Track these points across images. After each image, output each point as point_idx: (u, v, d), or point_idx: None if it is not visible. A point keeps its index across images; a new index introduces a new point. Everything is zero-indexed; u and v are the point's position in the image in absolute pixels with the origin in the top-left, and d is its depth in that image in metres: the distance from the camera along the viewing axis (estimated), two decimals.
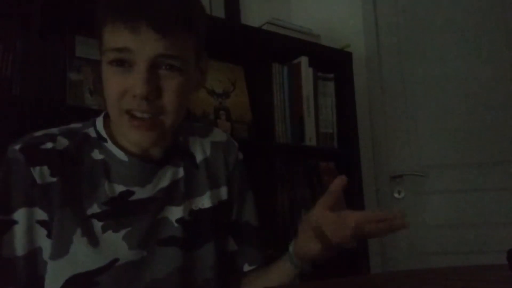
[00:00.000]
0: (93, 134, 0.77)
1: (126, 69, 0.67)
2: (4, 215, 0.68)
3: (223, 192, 0.83)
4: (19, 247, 0.68)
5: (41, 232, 0.69)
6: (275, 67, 1.78)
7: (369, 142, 2.12)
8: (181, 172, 0.80)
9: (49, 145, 0.71)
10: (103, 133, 0.76)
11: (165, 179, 0.78)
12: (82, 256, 0.69)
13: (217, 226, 0.81)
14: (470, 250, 1.93)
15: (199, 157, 0.83)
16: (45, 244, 0.69)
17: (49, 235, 0.69)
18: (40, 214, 0.69)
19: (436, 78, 2.09)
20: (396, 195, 2.09)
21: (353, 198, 1.85)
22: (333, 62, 1.94)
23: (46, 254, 0.69)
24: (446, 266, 0.87)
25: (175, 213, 0.77)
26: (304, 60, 1.81)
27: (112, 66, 0.68)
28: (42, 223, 0.69)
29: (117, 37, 0.66)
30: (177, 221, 0.76)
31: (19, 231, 0.68)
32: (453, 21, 2.09)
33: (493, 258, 1.03)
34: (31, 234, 0.69)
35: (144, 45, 0.65)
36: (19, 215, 0.68)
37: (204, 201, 0.80)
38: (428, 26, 2.13)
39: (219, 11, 1.84)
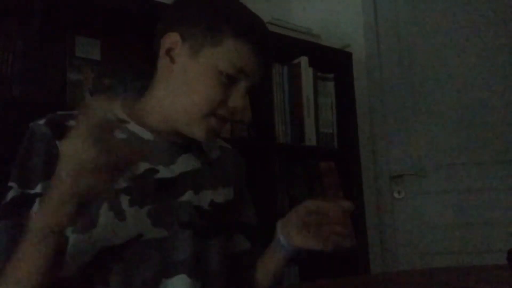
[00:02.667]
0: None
1: (230, 82, 0.76)
2: (28, 188, 0.69)
3: (231, 192, 0.88)
4: None
5: None
6: (275, 67, 1.78)
7: (369, 142, 2.12)
8: (199, 163, 0.84)
9: (72, 122, 0.73)
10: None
11: (187, 165, 0.81)
12: (109, 230, 0.70)
13: (225, 223, 0.84)
14: (470, 250, 1.93)
15: (212, 156, 0.88)
16: None
17: None
18: None
19: (436, 77, 2.09)
20: (396, 195, 2.09)
21: (353, 198, 1.85)
22: (333, 62, 1.94)
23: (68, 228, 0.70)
24: (446, 266, 0.87)
25: (195, 199, 0.79)
26: (304, 60, 1.81)
27: (221, 76, 0.75)
28: None
29: (239, 56, 0.74)
30: (196, 207, 0.79)
31: None
32: (453, 20, 2.09)
33: (493, 258, 1.03)
34: None
35: (255, 70, 0.76)
36: (43, 187, 0.69)
37: (218, 196, 0.84)
38: (428, 26, 2.13)
39: None
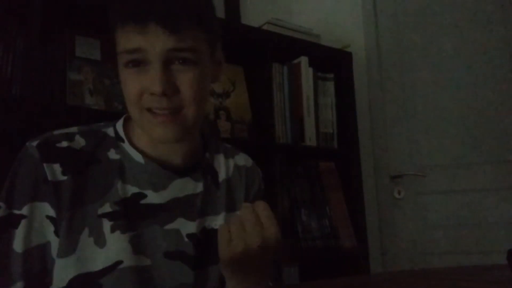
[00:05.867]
0: (111, 133, 0.78)
1: (141, 68, 0.69)
2: (14, 209, 0.69)
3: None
4: (29, 240, 0.69)
5: (50, 227, 0.70)
6: (275, 67, 1.78)
7: (369, 142, 2.12)
8: (200, 187, 0.79)
9: (64, 143, 0.72)
10: (122, 133, 0.77)
11: (181, 190, 0.77)
12: (87, 256, 0.69)
13: None
14: (470, 250, 1.93)
15: (221, 176, 0.84)
16: (53, 239, 0.70)
17: (56, 232, 0.69)
18: (49, 210, 0.69)
19: (436, 78, 2.09)
20: (396, 195, 2.09)
21: (353, 198, 1.85)
22: (333, 62, 1.94)
23: (54, 250, 0.69)
24: (446, 266, 0.87)
25: (187, 227, 0.76)
26: (304, 60, 1.81)
27: (128, 68, 0.70)
28: (50, 219, 0.70)
29: (128, 39, 0.68)
30: (188, 236, 0.75)
31: (28, 225, 0.69)
32: (453, 21, 2.10)
33: (493, 258, 1.03)
34: (41, 228, 0.69)
35: (154, 43, 0.67)
36: (29, 209, 0.69)
37: (218, 222, 0.80)
38: (428, 26, 2.13)
39: (219, 11, 1.84)
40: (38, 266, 0.69)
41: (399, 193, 2.09)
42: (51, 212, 0.69)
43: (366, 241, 1.85)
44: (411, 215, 2.06)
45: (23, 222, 0.68)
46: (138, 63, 0.69)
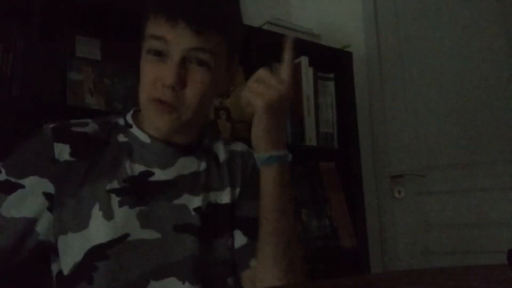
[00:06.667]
0: (121, 122, 0.84)
1: (161, 59, 0.75)
2: (15, 178, 0.73)
3: (237, 192, 0.87)
4: (17, 210, 0.72)
5: (43, 203, 0.73)
6: (275, 67, 1.78)
7: (369, 142, 2.12)
8: (203, 165, 0.84)
9: (79, 129, 0.78)
10: (130, 121, 0.83)
11: (186, 168, 0.82)
12: (98, 229, 0.72)
13: (231, 223, 0.84)
14: (470, 250, 1.93)
15: (221, 158, 0.89)
16: (43, 215, 0.73)
17: (50, 208, 0.73)
18: (48, 187, 0.73)
19: (436, 78, 2.09)
20: (396, 195, 2.09)
21: (353, 198, 1.85)
22: (333, 62, 1.94)
23: (41, 226, 0.73)
24: (445, 266, 0.87)
25: (194, 202, 0.79)
26: (304, 60, 1.81)
27: (150, 55, 0.76)
28: (47, 195, 0.73)
29: (157, 27, 0.74)
30: (195, 210, 0.79)
31: (22, 196, 0.72)
32: (453, 21, 2.09)
33: (493, 258, 1.04)
34: (33, 202, 0.73)
35: (179, 38, 0.73)
36: (28, 181, 0.72)
37: (223, 197, 0.84)
38: (428, 26, 2.13)
39: None
40: (14, 236, 0.71)
41: (399, 193, 2.09)
42: (50, 189, 0.73)
43: (366, 241, 1.85)
44: (411, 215, 2.06)
45: (19, 192, 0.72)
46: (159, 54, 0.75)
